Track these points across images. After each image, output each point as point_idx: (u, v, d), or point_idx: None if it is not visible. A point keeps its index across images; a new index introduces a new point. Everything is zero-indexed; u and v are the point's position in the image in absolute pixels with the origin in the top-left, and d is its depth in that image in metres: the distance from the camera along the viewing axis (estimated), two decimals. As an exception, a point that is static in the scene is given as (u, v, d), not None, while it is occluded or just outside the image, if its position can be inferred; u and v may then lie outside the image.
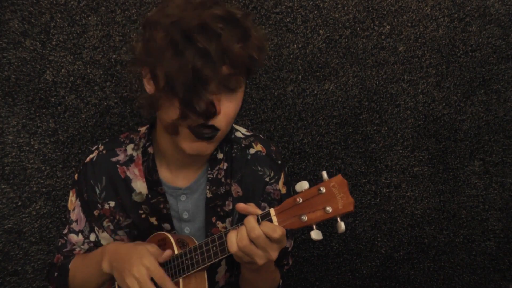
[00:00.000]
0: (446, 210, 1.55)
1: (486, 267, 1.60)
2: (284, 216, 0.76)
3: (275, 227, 0.75)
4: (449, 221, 1.56)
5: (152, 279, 0.84)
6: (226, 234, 0.82)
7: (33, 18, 1.28)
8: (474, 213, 1.55)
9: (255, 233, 0.75)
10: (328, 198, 0.73)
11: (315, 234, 0.75)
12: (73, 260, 1.02)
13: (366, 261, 1.59)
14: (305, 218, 0.74)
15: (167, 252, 0.88)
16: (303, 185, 0.76)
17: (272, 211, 0.77)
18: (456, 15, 1.41)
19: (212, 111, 0.77)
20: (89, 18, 1.30)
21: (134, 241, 1.01)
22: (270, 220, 0.77)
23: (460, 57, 1.44)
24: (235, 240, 0.77)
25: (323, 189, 0.73)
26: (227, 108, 0.82)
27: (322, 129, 1.46)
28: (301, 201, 0.75)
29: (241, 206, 0.80)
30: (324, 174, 0.75)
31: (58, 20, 1.29)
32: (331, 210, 0.72)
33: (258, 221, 0.77)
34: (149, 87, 0.85)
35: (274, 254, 0.77)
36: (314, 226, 0.75)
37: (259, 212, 0.79)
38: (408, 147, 1.49)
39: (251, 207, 0.80)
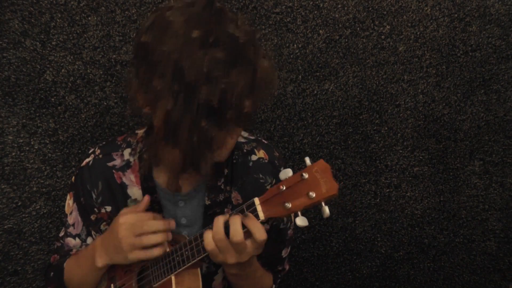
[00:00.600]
0: (446, 210, 1.55)
1: (486, 267, 1.60)
2: (268, 204, 0.75)
3: (263, 234, 0.74)
4: (449, 221, 1.56)
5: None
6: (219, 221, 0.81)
7: (33, 18, 1.28)
8: (474, 213, 1.55)
9: (238, 238, 0.74)
10: (311, 184, 0.72)
11: (300, 221, 0.72)
12: (67, 260, 1.01)
13: (366, 261, 1.59)
14: (289, 205, 0.73)
15: (145, 198, 0.87)
16: (287, 172, 0.75)
17: (257, 200, 0.76)
18: (456, 15, 1.41)
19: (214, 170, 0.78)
20: (89, 18, 1.30)
21: None
22: (255, 210, 0.76)
23: (460, 57, 1.44)
24: (211, 237, 0.76)
25: (305, 175, 0.72)
26: (229, 144, 0.81)
27: (322, 129, 1.46)
28: (284, 188, 0.74)
29: None
30: (307, 160, 0.74)
31: (58, 20, 1.29)
32: (314, 195, 0.71)
33: (243, 211, 0.77)
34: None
35: (246, 257, 0.77)
36: (299, 213, 0.73)
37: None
38: (408, 147, 1.49)
39: None
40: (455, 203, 1.54)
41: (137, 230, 0.82)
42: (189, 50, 0.68)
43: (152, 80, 0.70)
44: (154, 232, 0.83)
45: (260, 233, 0.74)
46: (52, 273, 1.03)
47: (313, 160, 0.73)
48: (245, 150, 0.98)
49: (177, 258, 0.86)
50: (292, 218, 1.03)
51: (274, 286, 1.05)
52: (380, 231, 1.56)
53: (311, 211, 1.49)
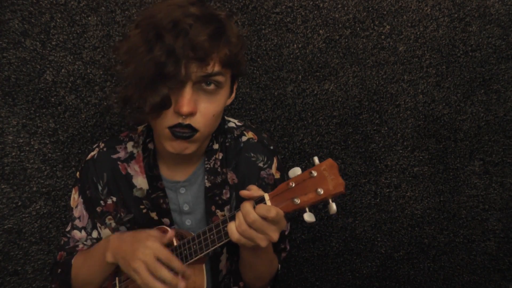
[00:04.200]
0: (446, 210, 1.55)
1: (486, 267, 1.60)
2: (278, 200, 0.79)
3: (269, 208, 0.77)
4: (449, 221, 1.56)
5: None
6: (222, 222, 0.84)
7: (33, 18, 1.28)
8: (474, 213, 1.55)
9: (251, 217, 0.77)
10: (320, 181, 0.76)
11: (308, 216, 0.77)
12: (75, 256, 1.03)
13: (366, 261, 1.59)
14: (297, 200, 0.77)
15: (170, 233, 0.89)
16: (296, 171, 0.78)
17: (267, 195, 0.80)
18: (456, 15, 1.41)
19: (167, 104, 0.79)
20: (89, 18, 1.30)
21: None
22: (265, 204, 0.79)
23: (460, 57, 1.44)
24: (234, 227, 0.80)
25: (314, 173, 0.76)
26: (205, 109, 0.83)
27: (322, 129, 1.46)
28: (293, 185, 0.78)
29: (244, 193, 0.82)
30: (316, 159, 0.78)
31: (58, 20, 1.29)
32: (322, 192, 0.75)
33: (253, 206, 0.80)
34: None
35: (275, 235, 0.80)
36: (307, 209, 0.78)
37: (262, 193, 0.81)
38: (408, 147, 1.49)
39: (254, 191, 0.82)
40: (455, 203, 1.54)
41: (152, 265, 0.83)
42: (169, 8, 0.79)
43: (130, 34, 0.81)
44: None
45: (271, 212, 0.77)
46: (59, 270, 1.04)
47: (321, 160, 0.77)
48: (235, 135, 1.03)
49: (185, 252, 0.89)
50: None
51: (279, 266, 1.08)
52: (380, 231, 1.56)
53: (312, 210, 1.49)
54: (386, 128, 1.47)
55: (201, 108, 0.83)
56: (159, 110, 0.80)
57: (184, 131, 0.82)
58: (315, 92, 1.43)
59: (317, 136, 1.46)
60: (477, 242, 1.58)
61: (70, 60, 1.32)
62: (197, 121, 0.83)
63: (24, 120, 1.33)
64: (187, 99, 0.80)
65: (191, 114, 0.81)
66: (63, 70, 1.32)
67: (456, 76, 1.45)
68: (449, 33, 1.42)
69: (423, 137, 1.49)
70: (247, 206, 0.79)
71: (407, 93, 1.45)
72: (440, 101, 1.47)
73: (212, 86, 0.83)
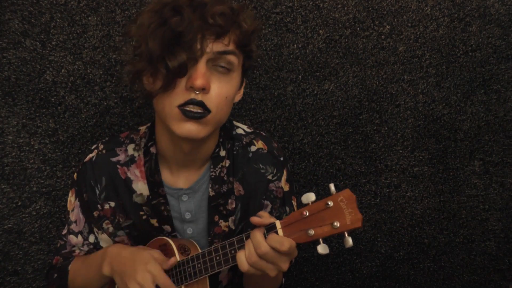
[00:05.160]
0: (446, 210, 1.55)
1: (486, 267, 1.60)
2: (290, 229, 0.75)
3: (282, 240, 0.73)
4: (449, 221, 1.56)
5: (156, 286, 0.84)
6: (230, 245, 0.81)
7: (33, 18, 1.28)
8: (474, 213, 1.55)
9: (262, 249, 0.73)
10: (336, 213, 0.71)
11: (322, 249, 0.72)
12: (72, 262, 1.01)
13: (366, 261, 1.59)
14: (312, 232, 0.72)
15: (172, 259, 0.87)
16: (310, 197, 0.74)
17: (278, 223, 0.76)
18: (456, 15, 1.41)
19: (183, 71, 0.77)
20: (89, 18, 1.30)
21: (135, 243, 1.00)
22: (276, 233, 0.75)
23: (460, 57, 1.44)
24: (244, 258, 0.76)
25: (330, 203, 0.71)
26: (218, 88, 0.81)
27: (322, 129, 1.46)
28: (308, 214, 0.73)
29: (255, 220, 0.77)
30: (332, 187, 0.73)
31: (58, 20, 1.29)
32: (338, 226, 0.70)
33: (264, 234, 0.76)
34: (146, 82, 0.85)
35: (285, 266, 0.76)
36: (321, 240, 0.73)
37: (273, 220, 0.77)
38: (408, 147, 1.49)
39: (265, 219, 0.78)
40: (455, 203, 1.54)
41: (154, 282, 0.83)
42: None
43: (144, 13, 0.81)
44: None
45: (284, 245, 0.73)
46: (55, 275, 1.03)
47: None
48: (244, 142, 0.99)
49: (189, 270, 0.87)
50: (295, 208, 1.04)
51: (283, 279, 1.06)
52: (380, 231, 1.56)
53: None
54: (386, 128, 1.47)
55: (214, 87, 0.81)
56: (175, 76, 0.77)
57: (196, 110, 0.79)
58: (315, 92, 1.43)
59: (317, 136, 1.46)
60: (477, 242, 1.58)
61: (70, 60, 1.32)
62: (210, 100, 0.80)
63: (24, 120, 1.33)
64: (201, 72, 0.78)
65: (205, 89, 0.79)
66: (63, 70, 1.32)
67: (456, 76, 1.45)
68: (449, 33, 1.42)
69: (423, 137, 1.49)
70: (258, 236, 0.75)
71: (407, 93, 1.45)
72: (440, 101, 1.47)
73: (225, 68, 0.82)
